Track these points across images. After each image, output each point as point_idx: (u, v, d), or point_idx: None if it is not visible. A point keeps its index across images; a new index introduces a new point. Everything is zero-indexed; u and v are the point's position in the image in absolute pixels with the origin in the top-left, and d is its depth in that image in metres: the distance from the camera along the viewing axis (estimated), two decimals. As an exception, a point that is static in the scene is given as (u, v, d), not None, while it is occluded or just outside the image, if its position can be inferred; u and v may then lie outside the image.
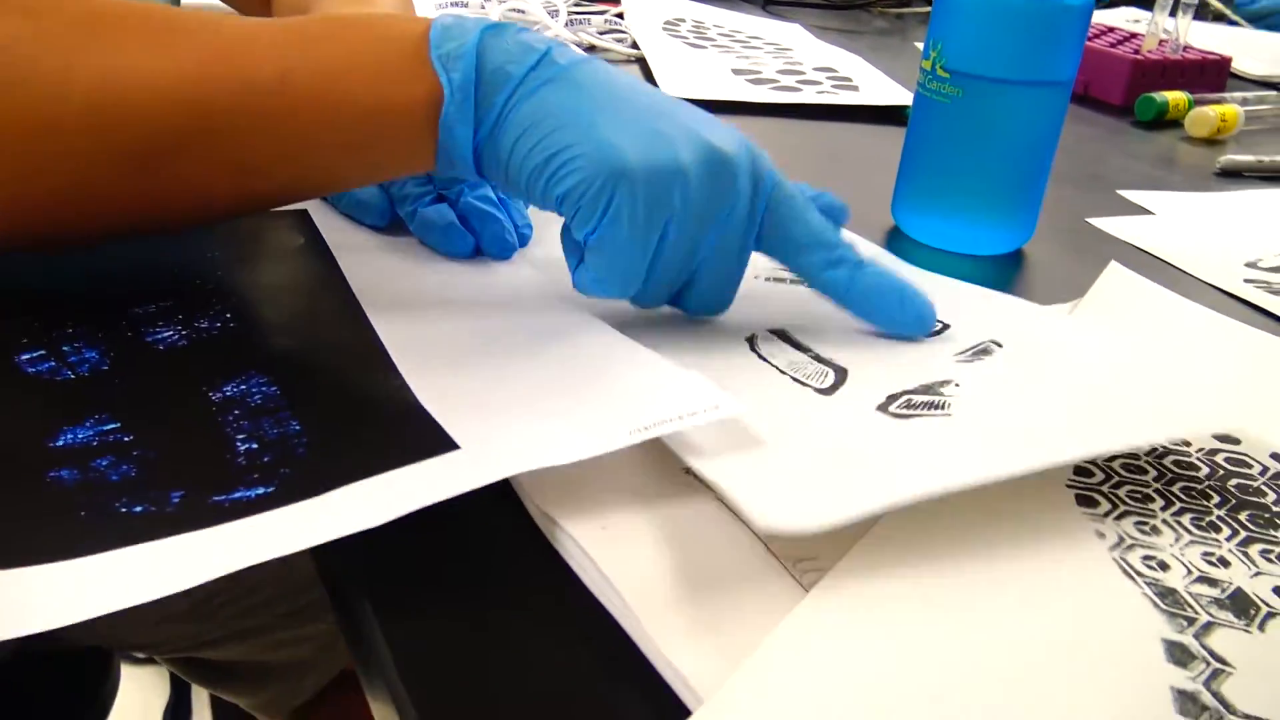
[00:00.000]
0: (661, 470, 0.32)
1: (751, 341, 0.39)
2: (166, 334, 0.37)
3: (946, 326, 0.42)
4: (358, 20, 0.38)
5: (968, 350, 0.40)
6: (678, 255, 0.37)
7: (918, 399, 0.35)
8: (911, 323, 0.40)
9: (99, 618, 0.24)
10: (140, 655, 1.21)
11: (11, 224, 0.35)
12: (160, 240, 0.44)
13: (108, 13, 0.35)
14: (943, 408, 0.35)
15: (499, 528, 0.30)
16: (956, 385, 0.36)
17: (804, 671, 0.25)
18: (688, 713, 0.24)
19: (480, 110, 0.36)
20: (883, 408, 0.35)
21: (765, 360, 0.38)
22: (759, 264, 0.40)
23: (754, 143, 0.39)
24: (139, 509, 0.28)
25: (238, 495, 0.28)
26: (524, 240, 0.47)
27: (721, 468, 0.30)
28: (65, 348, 0.36)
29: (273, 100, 0.35)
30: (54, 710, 0.75)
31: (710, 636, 0.26)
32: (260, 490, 0.29)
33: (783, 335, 0.40)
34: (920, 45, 1.08)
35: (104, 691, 0.80)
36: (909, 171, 0.55)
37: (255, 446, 0.31)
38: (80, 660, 0.76)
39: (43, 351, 0.35)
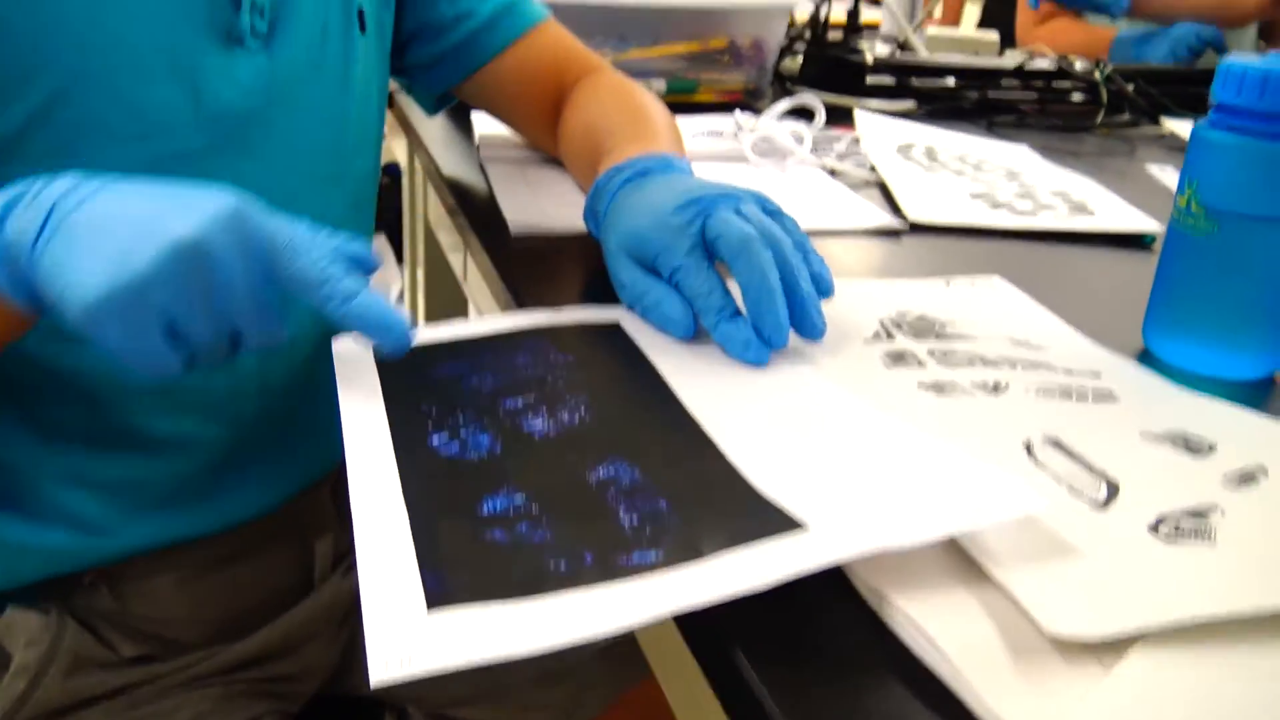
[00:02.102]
0: (966, 555, 0.37)
1: (1029, 448, 0.44)
2: (538, 424, 0.45)
3: (1213, 447, 0.45)
4: None
5: (1235, 472, 0.43)
6: (205, 334, 0.44)
7: (1186, 524, 0.39)
8: (389, 343, 0.47)
9: None
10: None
11: None
12: (511, 347, 0.53)
13: None
14: (1209, 536, 0.39)
15: (830, 600, 0.36)
16: (1223, 514, 0.40)
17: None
18: (1017, 757, 0.29)
19: (16, 278, 0.44)
20: (1154, 528, 0.39)
21: (1042, 467, 0.43)
22: (1027, 379, 0.44)
23: (237, 201, 0.44)
24: (564, 565, 0.35)
25: (636, 558, 0.35)
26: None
27: (1012, 572, 0.35)
28: (463, 432, 0.44)
29: None
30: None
31: (1032, 697, 0.31)
32: (653, 554, 0.36)
33: (1057, 444, 0.45)
34: (1151, 168, 1.11)
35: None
36: (1162, 299, 0.59)
37: (636, 518, 0.38)
38: (361, 711, 0.86)
39: (448, 435, 0.44)
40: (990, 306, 0.64)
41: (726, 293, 0.54)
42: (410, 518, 0.38)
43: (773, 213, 0.58)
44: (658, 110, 0.78)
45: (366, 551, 0.36)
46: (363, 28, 0.72)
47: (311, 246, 0.46)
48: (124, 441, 0.63)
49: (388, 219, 2.28)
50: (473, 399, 0.48)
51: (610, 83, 0.82)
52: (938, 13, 2.65)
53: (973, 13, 3.04)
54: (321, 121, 0.68)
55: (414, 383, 0.49)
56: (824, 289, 0.56)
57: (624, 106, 0.77)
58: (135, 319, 0.42)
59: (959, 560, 0.37)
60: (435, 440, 0.44)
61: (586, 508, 0.39)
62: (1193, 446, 0.46)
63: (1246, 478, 0.43)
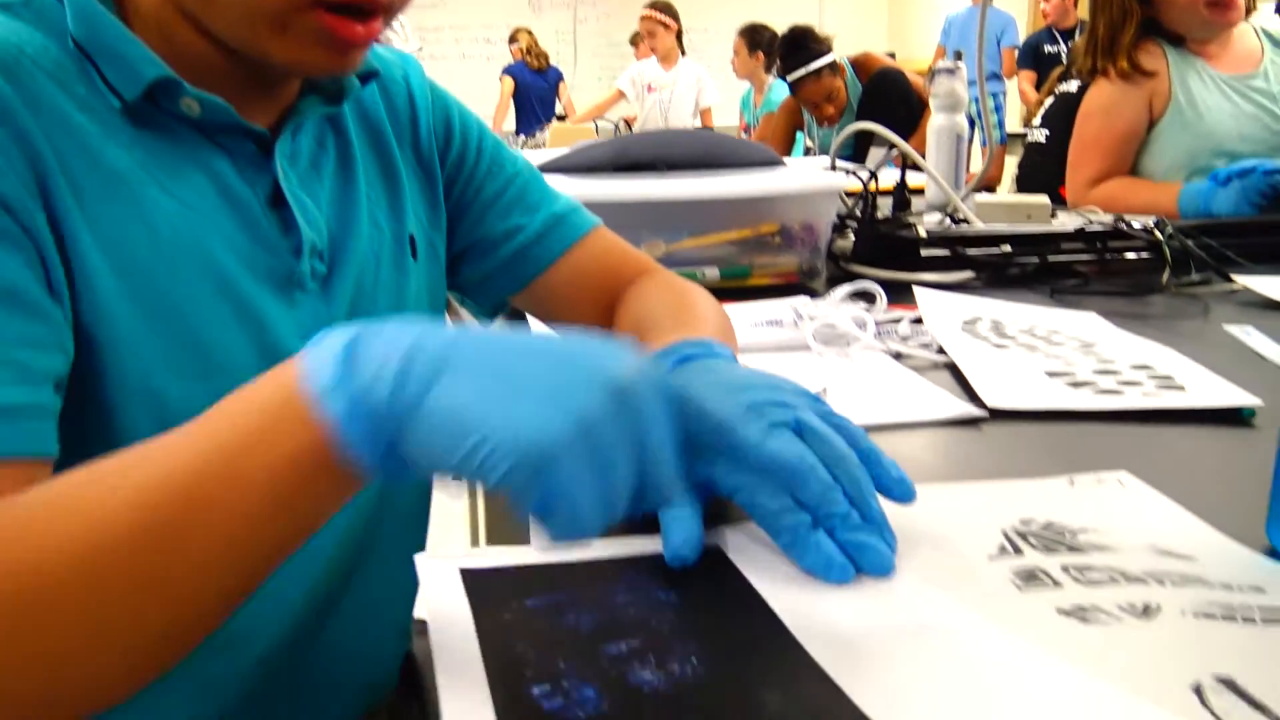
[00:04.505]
0: None
1: (1199, 692, 0.39)
2: (647, 677, 0.41)
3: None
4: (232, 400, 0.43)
5: None
6: (618, 483, 0.39)
7: None
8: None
9: None
10: None
11: None
12: (610, 580, 0.49)
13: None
14: None
15: None
16: None
17: None
18: None
19: (377, 425, 0.38)
20: None
21: (1219, 719, 0.37)
22: (1181, 598, 0.39)
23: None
24: None
25: None
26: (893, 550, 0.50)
27: None
28: (565, 684, 0.40)
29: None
30: None
31: None
32: None
33: (1233, 686, 0.39)
34: (1230, 329, 1.06)
35: None
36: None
37: None
38: None
39: (549, 687, 0.40)
40: (1123, 509, 0.58)
41: (798, 507, 0.50)
42: None
43: (826, 415, 0.54)
44: (704, 301, 0.76)
45: None
46: (414, 254, 0.72)
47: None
48: None
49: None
50: (572, 642, 0.44)
51: (660, 281, 0.81)
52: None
53: (1007, 178, 3.08)
54: None
55: (507, 613, 0.46)
56: (903, 494, 0.53)
57: (670, 300, 0.76)
58: (578, 462, 0.38)
59: None
60: (535, 691, 0.40)
61: None
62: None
63: None
